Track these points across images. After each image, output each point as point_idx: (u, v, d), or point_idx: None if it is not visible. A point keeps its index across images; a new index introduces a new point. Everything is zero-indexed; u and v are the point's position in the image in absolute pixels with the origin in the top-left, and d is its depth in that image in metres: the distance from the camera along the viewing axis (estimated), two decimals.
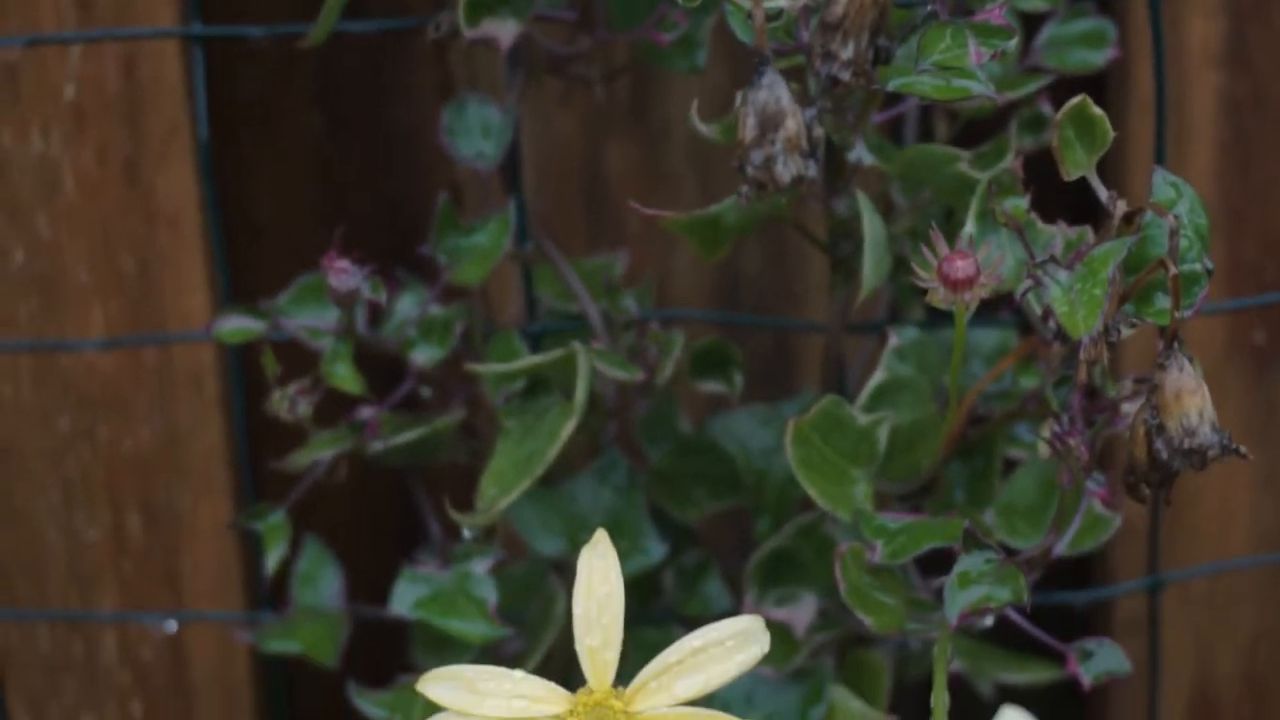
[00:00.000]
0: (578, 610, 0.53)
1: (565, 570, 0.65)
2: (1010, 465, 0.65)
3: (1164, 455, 0.50)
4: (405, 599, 0.63)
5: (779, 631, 0.64)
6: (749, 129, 0.45)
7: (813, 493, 0.58)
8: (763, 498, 0.67)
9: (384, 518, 0.78)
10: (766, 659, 0.63)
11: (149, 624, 0.72)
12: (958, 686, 0.65)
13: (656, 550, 0.66)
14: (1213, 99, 0.71)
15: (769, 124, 0.45)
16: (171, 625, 0.72)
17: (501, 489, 0.60)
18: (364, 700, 0.65)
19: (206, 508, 0.73)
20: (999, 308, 0.64)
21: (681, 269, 0.73)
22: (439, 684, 0.53)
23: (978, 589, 0.54)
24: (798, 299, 0.73)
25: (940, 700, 0.52)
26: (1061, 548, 0.58)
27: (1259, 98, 0.71)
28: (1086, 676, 0.58)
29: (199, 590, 0.73)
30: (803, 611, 0.63)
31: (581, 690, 0.52)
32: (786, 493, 0.66)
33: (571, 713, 0.52)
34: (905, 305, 0.65)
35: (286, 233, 0.76)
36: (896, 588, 0.57)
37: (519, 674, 0.53)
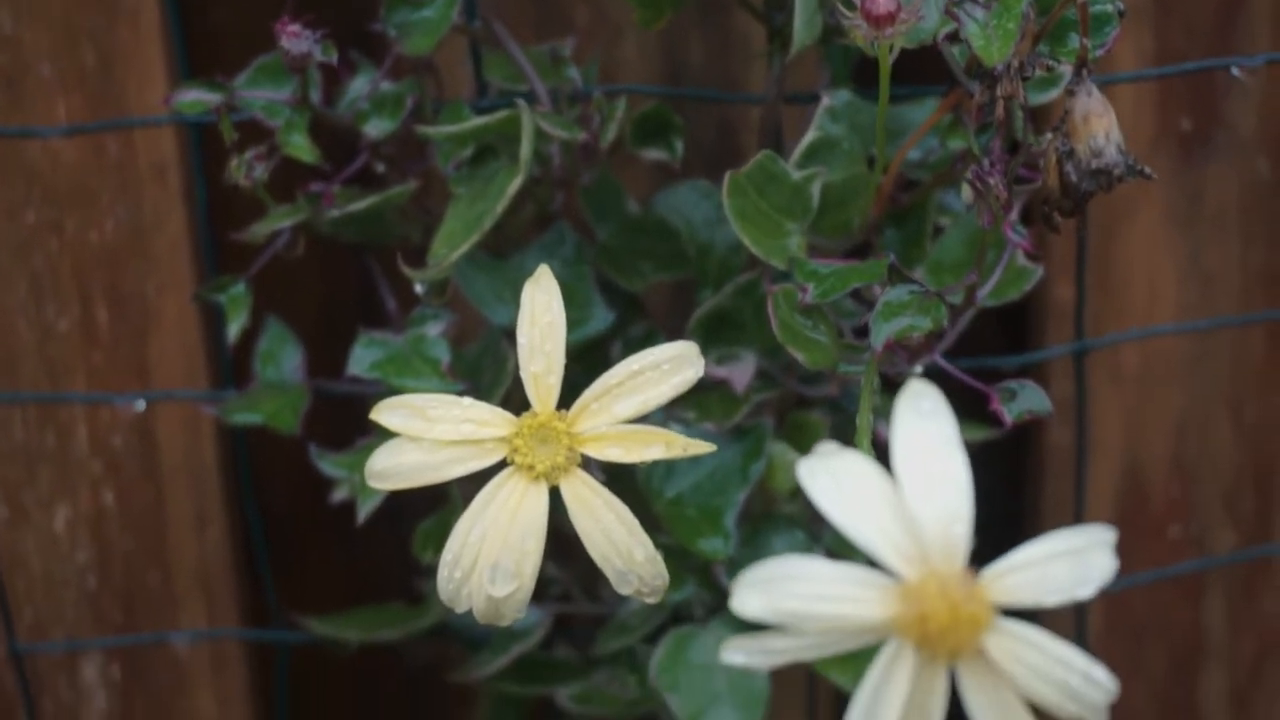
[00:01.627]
0: (521, 340, 0.55)
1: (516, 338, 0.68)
2: (941, 233, 0.67)
3: (1073, 178, 0.53)
4: (362, 361, 0.66)
5: (720, 389, 0.67)
6: None
7: (748, 242, 0.60)
8: (706, 269, 0.69)
9: (343, 308, 0.80)
10: (708, 415, 0.67)
11: (119, 405, 0.75)
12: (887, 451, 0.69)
13: (604, 319, 0.69)
14: None
15: None
16: (140, 404, 0.74)
17: (451, 247, 0.62)
18: (325, 461, 0.68)
19: (172, 298, 0.75)
20: (928, 79, 0.66)
21: (627, 60, 0.76)
22: (392, 412, 0.55)
23: (902, 319, 0.57)
24: (739, 89, 0.75)
25: (865, 420, 0.55)
26: (985, 293, 0.61)
27: None
28: (1009, 416, 0.61)
29: (166, 379, 0.76)
30: (742, 370, 0.66)
31: (526, 414, 0.55)
32: (728, 263, 0.69)
33: (517, 434, 0.55)
34: (839, 79, 0.68)
35: (245, 37, 0.78)
36: (828, 329, 0.60)
37: (467, 400, 0.55)
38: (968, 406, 0.64)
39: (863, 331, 0.63)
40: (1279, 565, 0.83)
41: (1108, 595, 0.82)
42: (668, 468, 0.68)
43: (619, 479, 0.60)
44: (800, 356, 0.59)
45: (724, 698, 0.69)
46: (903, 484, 0.44)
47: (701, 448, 0.54)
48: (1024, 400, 0.61)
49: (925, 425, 0.44)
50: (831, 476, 0.44)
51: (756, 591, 0.44)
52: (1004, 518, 0.82)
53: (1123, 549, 0.82)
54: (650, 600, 0.56)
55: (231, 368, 0.74)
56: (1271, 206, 0.78)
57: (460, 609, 0.55)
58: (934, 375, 0.64)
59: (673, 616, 0.71)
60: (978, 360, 0.70)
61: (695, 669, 0.69)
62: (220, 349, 0.75)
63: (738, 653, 0.44)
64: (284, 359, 0.71)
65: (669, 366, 0.55)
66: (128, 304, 0.75)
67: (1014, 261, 0.63)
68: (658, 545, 0.67)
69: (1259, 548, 0.81)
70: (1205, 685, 0.84)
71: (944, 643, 0.43)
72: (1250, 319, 0.78)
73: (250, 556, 0.79)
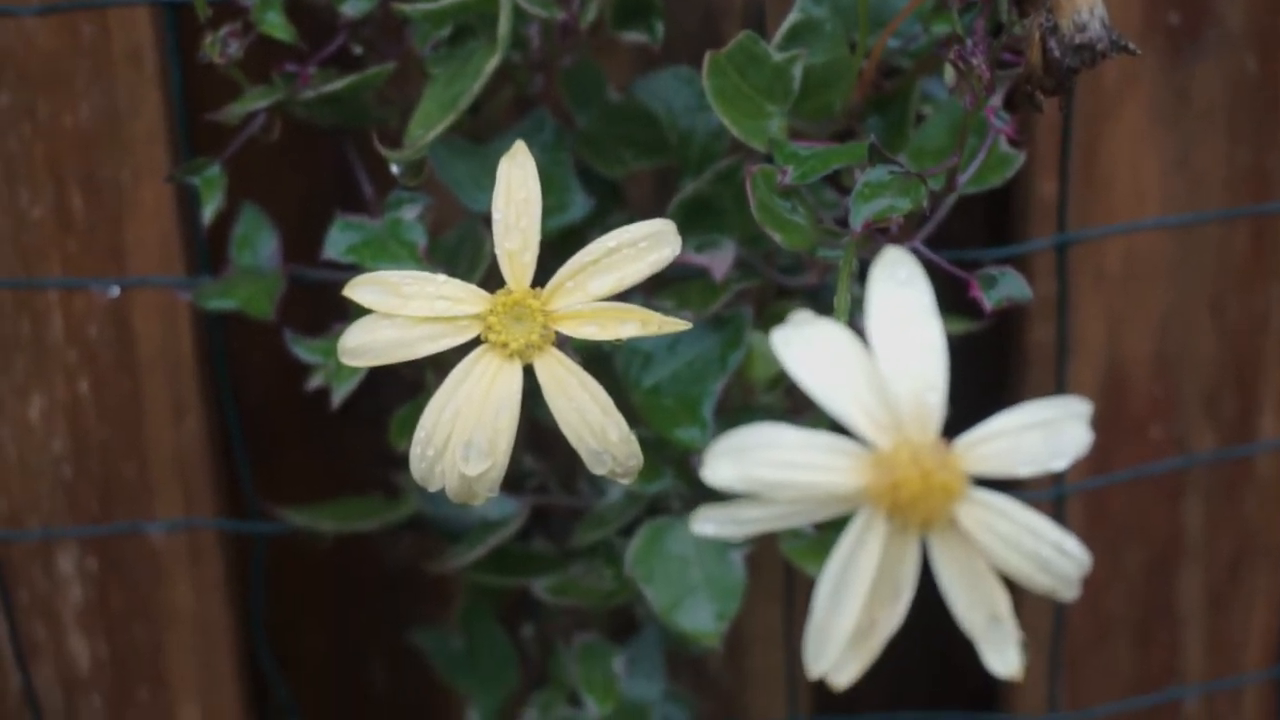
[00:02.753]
0: (496, 216, 0.55)
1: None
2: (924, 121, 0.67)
3: (1057, 53, 0.52)
4: (338, 244, 0.65)
5: (699, 277, 0.66)
6: None
7: (728, 123, 0.60)
8: (687, 156, 0.68)
9: (321, 198, 0.80)
10: (687, 304, 0.66)
11: (94, 291, 0.74)
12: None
13: (583, 206, 0.68)
14: None
15: None
16: (114, 290, 0.74)
17: (427, 127, 0.62)
18: (300, 346, 0.67)
19: (147, 184, 0.75)
20: None
21: None
22: (366, 288, 0.55)
23: (881, 199, 0.57)
24: None
25: (843, 300, 0.54)
26: (966, 178, 0.60)
27: None
28: (988, 302, 0.60)
29: (142, 266, 0.75)
30: (722, 257, 0.66)
31: (501, 291, 0.55)
32: (710, 150, 0.68)
33: (491, 311, 0.54)
34: None
35: None
36: (807, 212, 0.60)
37: (441, 277, 0.55)
38: (949, 300, 0.64)
39: (844, 221, 0.62)
40: (1259, 466, 0.82)
41: (1087, 494, 0.82)
42: (646, 357, 0.68)
43: (596, 369, 0.59)
44: (778, 237, 0.58)
45: (700, 589, 0.69)
46: (877, 351, 0.44)
47: (676, 325, 0.54)
48: (1004, 287, 0.60)
49: (901, 293, 0.44)
50: (806, 344, 0.44)
51: (728, 459, 0.43)
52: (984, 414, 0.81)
53: (1103, 448, 0.82)
54: (624, 481, 0.55)
55: (208, 255, 0.73)
56: (1259, 104, 0.77)
57: (433, 487, 0.55)
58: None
59: (649, 509, 0.71)
60: (959, 253, 0.69)
61: (671, 560, 0.69)
62: (196, 236, 0.74)
63: (708, 523, 0.44)
64: (260, 244, 0.71)
65: (645, 244, 0.54)
66: (103, 190, 0.75)
67: (996, 148, 0.62)
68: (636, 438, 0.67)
69: (1239, 448, 0.81)
70: (1183, 586, 0.84)
71: (916, 511, 0.43)
72: (1234, 213, 0.77)
73: (227, 447, 0.78)
